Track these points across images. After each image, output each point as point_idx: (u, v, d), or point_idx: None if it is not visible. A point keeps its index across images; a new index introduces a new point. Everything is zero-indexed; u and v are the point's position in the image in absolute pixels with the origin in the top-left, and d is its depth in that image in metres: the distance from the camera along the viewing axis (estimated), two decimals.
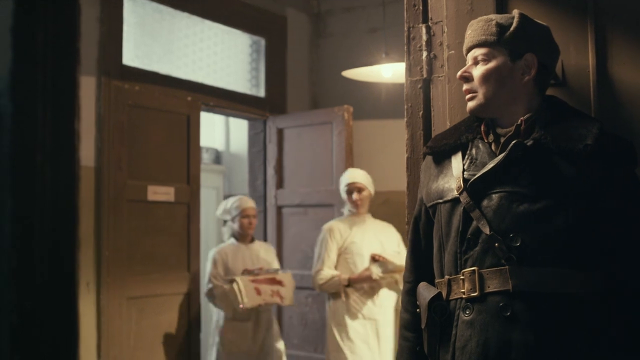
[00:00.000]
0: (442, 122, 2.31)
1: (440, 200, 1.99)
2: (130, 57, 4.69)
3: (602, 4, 2.10)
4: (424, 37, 2.36)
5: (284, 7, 5.95)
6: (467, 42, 1.99)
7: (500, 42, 1.92)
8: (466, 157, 1.98)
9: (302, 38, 6.13)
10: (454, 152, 2.02)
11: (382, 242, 4.62)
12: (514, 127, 1.92)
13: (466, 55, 2.00)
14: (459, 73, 1.99)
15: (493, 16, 1.97)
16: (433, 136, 2.25)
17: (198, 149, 5.12)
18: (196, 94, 5.12)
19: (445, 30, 2.31)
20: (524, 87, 1.93)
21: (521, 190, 1.85)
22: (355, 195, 4.65)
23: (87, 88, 4.37)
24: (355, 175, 4.74)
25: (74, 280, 1.01)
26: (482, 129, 1.99)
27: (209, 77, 5.34)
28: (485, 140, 1.97)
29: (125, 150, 4.57)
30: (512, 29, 1.91)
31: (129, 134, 4.60)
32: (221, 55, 5.49)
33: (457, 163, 1.99)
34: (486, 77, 1.93)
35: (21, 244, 0.91)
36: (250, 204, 4.83)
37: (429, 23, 2.37)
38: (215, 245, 5.63)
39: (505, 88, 1.92)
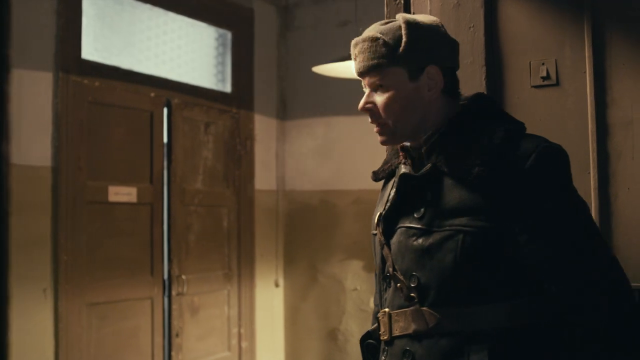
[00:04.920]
0: None
1: (373, 232, 1.85)
2: (90, 51, 4.46)
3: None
4: None
5: None
6: (358, 68, 1.77)
7: (394, 62, 1.71)
8: (393, 185, 1.81)
9: (269, 31, 5.94)
10: (389, 179, 1.88)
11: None
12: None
13: (360, 77, 1.79)
14: (360, 105, 1.78)
15: (378, 33, 1.74)
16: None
17: (162, 147, 4.91)
18: (160, 90, 4.91)
19: None
20: (435, 102, 1.74)
21: (416, 225, 1.69)
22: None
23: (44, 84, 4.15)
24: None
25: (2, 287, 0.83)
26: (400, 154, 1.81)
27: (173, 72, 5.12)
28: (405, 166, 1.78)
29: (84, 149, 4.34)
30: (403, 45, 1.70)
31: (88, 132, 4.38)
32: (185, 49, 5.27)
33: (386, 192, 1.84)
34: (390, 106, 1.73)
35: None
36: None
37: None
38: None
39: (414, 111, 1.73)
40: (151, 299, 4.78)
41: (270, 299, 5.86)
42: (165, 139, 4.97)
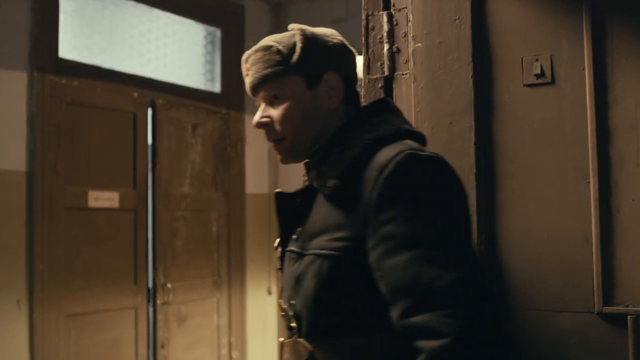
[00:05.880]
0: None
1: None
2: (68, 49, 4.26)
3: None
4: (385, 27, 1.98)
5: None
6: (251, 81, 1.66)
7: (289, 69, 1.62)
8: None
9: (261, 29, 5.72)
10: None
11: None
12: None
13: (254, 96, 1.68)
14: (254, 120, 1.66)
15: (271, 42, 1.65)
16: None
17: (146, 149, 4.70)
18: (143, 90, 4.70)
19: (411, 18, 1.94)
20: (335, 112, 1.64)
21: (294, 248, 1.59)
22: None
23: (17, 84, 3.96)
24: None
25: None
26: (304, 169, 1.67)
27: (158, 71, 4.91)
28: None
29: (62, 153, 4.15)
30: (298, 50, 1.62)
31: (66, 135, 4.18)
32: (172, 48, 5.07)
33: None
34: (287, 117, 1.62)
35: None
36: None
37: (391, 10, 1.99)
38: None
39: (314, 122, 1.63)
40: (135, 308, 4.58)
41: (262, 306, 5.65)
42: (149, 141, 4.76)
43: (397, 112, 1.65)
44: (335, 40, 1.68)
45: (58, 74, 4.14)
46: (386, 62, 1.98)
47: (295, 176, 5.64)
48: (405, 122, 1.63)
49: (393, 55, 1.98)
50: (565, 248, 1.74)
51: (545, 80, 1.78)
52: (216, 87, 5.40)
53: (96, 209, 4.35)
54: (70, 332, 4.17)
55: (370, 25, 2.02)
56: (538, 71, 1.80)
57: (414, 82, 1.92)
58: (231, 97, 5.46)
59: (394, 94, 1.97)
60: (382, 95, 1.97)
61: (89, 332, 4.28)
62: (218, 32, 5.44)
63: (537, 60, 1.80)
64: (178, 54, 5.12)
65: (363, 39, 2.02)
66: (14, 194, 3.92)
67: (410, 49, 1.93)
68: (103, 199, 4.37)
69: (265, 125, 1.64)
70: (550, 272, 1.75)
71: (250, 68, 1.65)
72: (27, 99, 3.99)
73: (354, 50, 1.71)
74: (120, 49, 4.65)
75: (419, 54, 1.91)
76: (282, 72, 1.61)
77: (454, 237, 1.42)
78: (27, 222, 3.97)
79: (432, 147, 1.82)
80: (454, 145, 1.85)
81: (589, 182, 1.73)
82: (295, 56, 1.61)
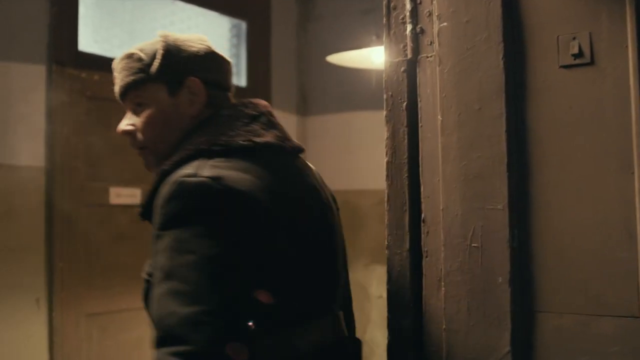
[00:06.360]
0: (431, 116, 1.79)
1: None
2: (88, 42, 4.17)
3: None
4: (408, 6, 1.84)
5: None
6: (117, 89, 1.74)
7: (151, 77, 1.67)
8: None
9: (288, 21, 5.61)
10: None
11: None
12: None
13: (123, 103, 1.76)
14: (119, 127, 1.72)
15: (135, 49, 1.73)
16: (420, 134, 1.77)
17: None
18: None
19: None
20: (196, 119, 1.68)
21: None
22: None
23: (36, 77, 3.87)
24: None
25: None
26: None
27: None
28: None
29: (82, 148, 4.06)
30: (158, 58, 1.67)
31: (87, 129, 4.09)
32: None
33: None
34: (150, 125, 1.67)
35: None
36: None
37: None
38: None
39: (175, 130, 1.66)
40: None
41: None
42: None
43: (233, 117, 1.65)
44: (199, 46, 1.72)
45: (78, 67, 4.06)
46: (409, 44, 1.83)
47: (324, 171, 5.45)
48: (231, 130, 1.61)
49: (417, 36, 1.83)
50: (606, 245, 1.58)
51: (584, 60, 1.63)
52: (242, 81, 5.30)
53: (118, 205, 4.26)
54: (91, 332, 4.08)
55: (391, 5, 1.87)
56: (576, 51, 1.64)
57: (439, 65, 1.77)
58: (258, 91, 5.34)
59: (417, 79, 1.82)
60: (405, 80, 1.82)
61: (111, 332, 4.19)
62: (243, 25, 5.33)
63: (574, 38, 1.64)
64: None
65: (384, 19, 1.88)
66: (32, 191, 3.84)
67: (435, 29, 1.78)
68: (125, 195, 4.28)
69: (129, 134, 1.67)
70: (589, 272, 1.59)
71: (117, 76, 1.70)
72: (45, 93, 3.91)
73: (225, 56, 1.79)
74: (142, 42, 4.53)
75: (445, 35, 1.76)
76: (143, 80, 1.64)
77: (207, 270, 1.41)
78: (46, 219, 3.89)
79: (459, 136, 1.68)
80: (483, 133, 1.70)
81: (633, 173, 1.56)
82: (156, 63, 1.64)
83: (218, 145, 1.56)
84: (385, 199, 1.86)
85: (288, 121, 5.59)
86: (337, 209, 1.92)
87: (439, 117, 1.75)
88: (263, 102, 1.81)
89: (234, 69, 5.34)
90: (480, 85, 1.72)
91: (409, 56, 1.83)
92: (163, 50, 1.67)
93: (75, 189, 4.01)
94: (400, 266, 1.84)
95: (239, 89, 5.21)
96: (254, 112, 1.70)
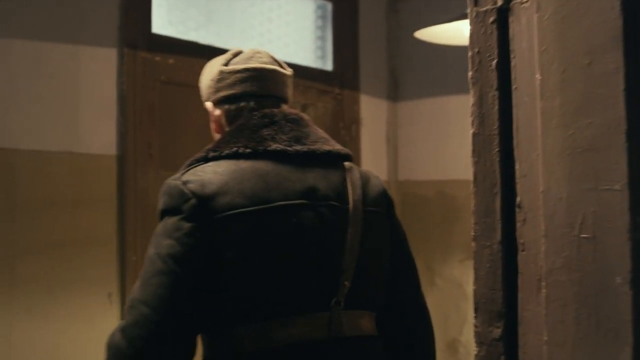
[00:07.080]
0: (528, 76, 1.47)
1: None
2: (162, 24, 4.00)
3: None
4: None
5: None
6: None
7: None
8: None
9: (376, 2, 5.33)
10: None
11: None
12: None
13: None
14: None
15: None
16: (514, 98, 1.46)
17: None
18: None
19: None
20: (223, 132, 2.03)
21: None
22: None
23: (107, 61, 3.72)
24: None
25: None
26: None
27: (263, 47, 4.55)
28: None
29: (156, 135, 3.88)
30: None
31: (160, 115, 3.92)
32: (278, 23, 4.72)
33: None
34: None
35: None
36: None
37: None
38: None
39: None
40: None
41: None
42: None
43: (243, 126, 1.92)
44: (206, 71, 2.09)
45: (151, 50, 3.88)
46: None
47: (414, 163, 5.11)
48: (234, 138, 1.89)
49: None
50: None
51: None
52: (328, 65, 5.04)
53: None
54: None
55: None
56: None
57: (537, 12, 1.44)
58: (345, 75, 5.08)
59: (510, 30, 1.50)
60: (495, 32, 1.50)
61: None
62: (329, 6, 5.07)
63: None
64: (285, 30, 4.78)
65: None
66: (104, 180, 3.70)
67: None
68: None
69: None
70: None
71: None
72: (117, 77, 3.75)
73: (249, 66, 2.12)
74: (219, 23, 4.35)
75: None
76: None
77: (155, 265, 1.71)
78: (118, 209, 3.75)
79: (565, 96, 1.36)
80: (593, 93, 1.36)
81: None
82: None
83: (212, 152, 1.87)
84: (472, 179, 1.56)
85: (377, 106, 5.31)
86: (374, 210, 2.05)
87: (538, 76, 1.42)
88: (286, 110, 2.04)
89: (318, 53, 5.04)
90: (589, 34, 1.38)
91: (499, 3, 1.51)
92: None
93: (148, 178, 3.84)
94: (490, 262, 1.53)
95: (324, 73, 4.96)
96: (265, 120, 1.92)
